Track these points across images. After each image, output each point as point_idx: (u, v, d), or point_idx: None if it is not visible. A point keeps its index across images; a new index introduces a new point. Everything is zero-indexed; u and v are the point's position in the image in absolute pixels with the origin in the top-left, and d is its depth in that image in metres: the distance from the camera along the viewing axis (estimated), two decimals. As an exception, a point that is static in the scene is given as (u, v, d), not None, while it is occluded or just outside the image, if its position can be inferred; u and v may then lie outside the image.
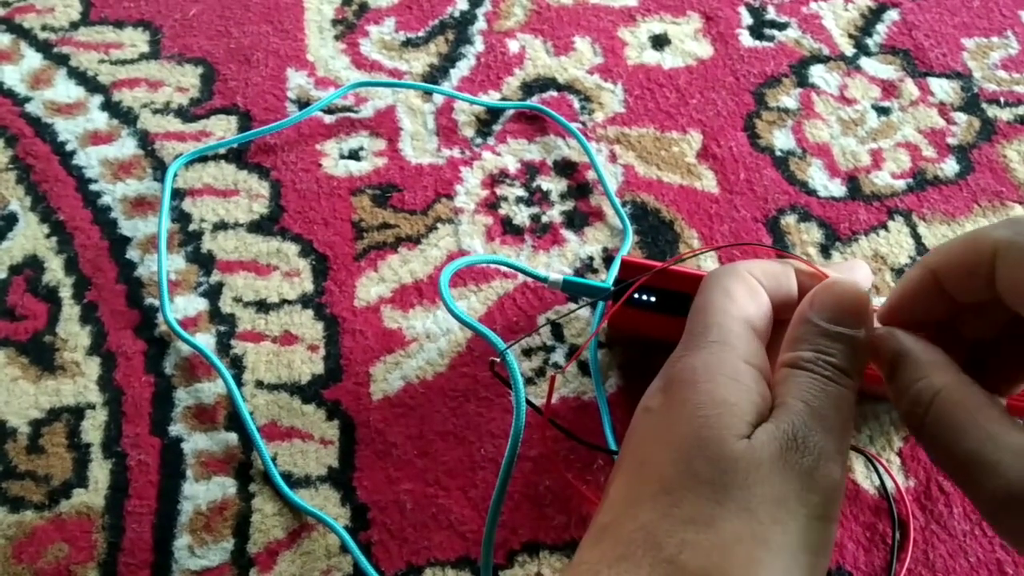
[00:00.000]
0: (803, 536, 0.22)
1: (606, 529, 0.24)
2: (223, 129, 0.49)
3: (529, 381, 0.40)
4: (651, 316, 0.36)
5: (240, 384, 0.40)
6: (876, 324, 0.26)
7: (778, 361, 0.26)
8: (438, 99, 0.50)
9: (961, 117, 0.49)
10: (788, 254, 0.31)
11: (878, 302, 0.27)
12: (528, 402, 0.32)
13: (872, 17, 0.53)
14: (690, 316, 0.27)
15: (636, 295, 0.36)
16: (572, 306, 0.42)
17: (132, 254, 0.44)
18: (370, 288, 0.43)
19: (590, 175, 0.46)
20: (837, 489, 0.23)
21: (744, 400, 0.24)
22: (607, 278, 0.42)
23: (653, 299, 0.36)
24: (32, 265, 0.44)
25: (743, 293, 0.27)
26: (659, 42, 0.52)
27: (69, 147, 0.48)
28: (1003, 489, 0.20)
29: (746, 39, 0.52)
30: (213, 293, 0.43)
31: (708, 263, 0.44)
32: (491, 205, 0.46)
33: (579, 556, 0.24)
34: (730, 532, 0.21)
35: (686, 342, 0.26)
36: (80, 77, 0.51)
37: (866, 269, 0.30)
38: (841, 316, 0.25)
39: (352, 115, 0.49)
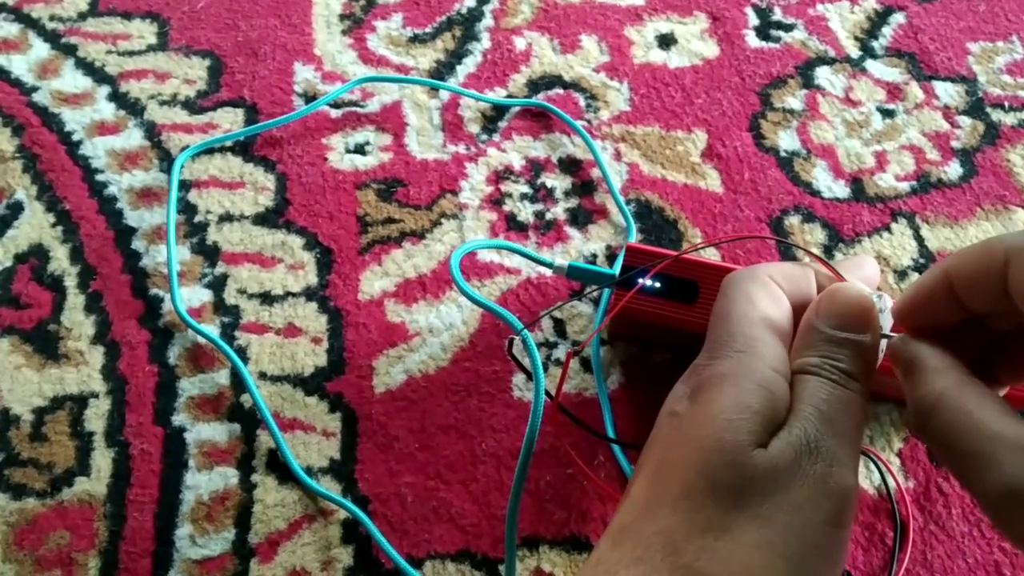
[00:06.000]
0: (818, 543, 0.22)
1: (626, 530, 0.24)
2: (230, 122, 0.49)
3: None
4: (656, 303, 0.36)
5: (243, 375, 0.40)
6: (890, 320, 0.27)
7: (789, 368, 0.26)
8: (444, 95, 0.50)
9: (965, 121, 0.49)
10: (807, 251, 0.32)
11: (890, 303, 0.27)
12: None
13: (878, 20, 0.53)
14: (713, 322, 0.27)
15: (641, 281, 0.36)
16: (575, 303, 0.42)
17: (137, 244, 0.44)
18: (374, 282, 0.43)
19: (595, 173, 0.47)
20: (850, 494, 0.23)
21: (768, 407, 0.24)
22: (614, 269, 0.42)
23: (658, 285, 0.36)
24: (37, 254, 0.44)
25: (765, 298, 0.27)
26: (665, 41, 0.52)
27: (76, 137, 0.48)
28: (1003, 484, 0.20)
29: (752, 40, 0.52)
30: (218, 284, 0.43)
31: (707, 255, 0.44)
32: (495, 201, 0.46)
33: (597, 555, 0.24)
34: (747, 540, 0.22)
35: (711, 350, 0.26)
36: (88, 68, 0.51)
37: (874, 265, 0.30)
38: (846, 322, 0.26)
39: (358, 110, 0.49)
